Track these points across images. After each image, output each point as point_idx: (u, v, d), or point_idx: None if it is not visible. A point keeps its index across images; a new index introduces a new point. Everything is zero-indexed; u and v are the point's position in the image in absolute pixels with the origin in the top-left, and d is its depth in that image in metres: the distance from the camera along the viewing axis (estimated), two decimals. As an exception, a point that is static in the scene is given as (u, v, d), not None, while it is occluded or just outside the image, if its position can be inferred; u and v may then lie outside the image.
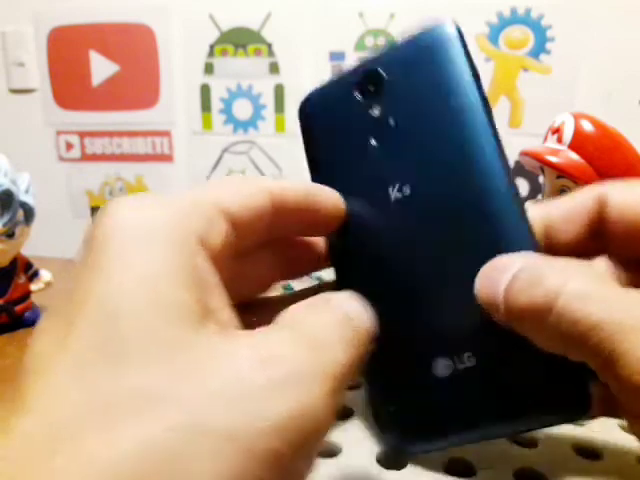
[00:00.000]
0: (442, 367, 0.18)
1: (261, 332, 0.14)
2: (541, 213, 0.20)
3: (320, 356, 0.13)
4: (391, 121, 0.20)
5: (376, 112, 0.21)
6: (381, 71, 0.20)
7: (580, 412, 0.16)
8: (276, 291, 0.22)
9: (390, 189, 0.20)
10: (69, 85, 1.12)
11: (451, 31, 0.20)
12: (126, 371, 0.11)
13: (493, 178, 0.18)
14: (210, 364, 0.12)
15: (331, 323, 0.15)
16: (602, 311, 0.13)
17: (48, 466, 0.10)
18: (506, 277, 0.15)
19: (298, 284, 0.24)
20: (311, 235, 0.21)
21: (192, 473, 0.10)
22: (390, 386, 0.19)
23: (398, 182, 0.20)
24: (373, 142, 0.20)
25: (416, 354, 0.19)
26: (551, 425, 0.17)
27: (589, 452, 0.24)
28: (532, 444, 0.25)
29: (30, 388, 0.12)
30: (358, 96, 0.21)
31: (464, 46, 0.20)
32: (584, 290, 0.14)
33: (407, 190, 0.20)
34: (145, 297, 0.12)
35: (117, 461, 0.10)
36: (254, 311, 0.19)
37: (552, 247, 0.20)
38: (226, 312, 0.14)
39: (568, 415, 0.16)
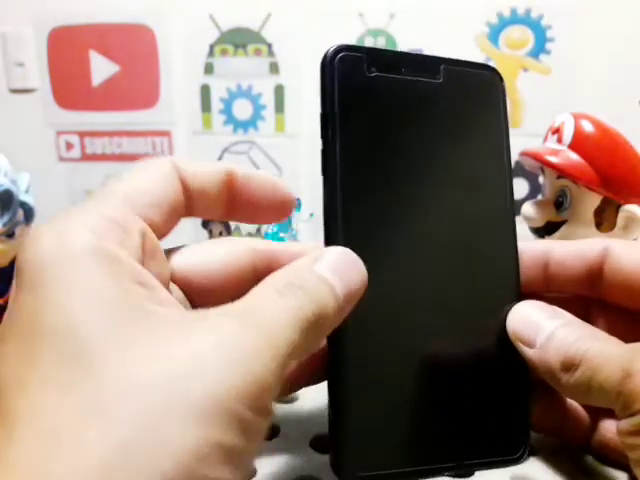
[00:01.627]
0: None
1: (212, 314, 0.15)
2: (544, 248, 0.22)
3: (270, 336, 0.15)
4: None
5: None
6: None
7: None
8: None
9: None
10: (69, 85, 1.12)
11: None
12: (99, 375, 0.13)
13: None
14: (170, 353, 0.13)
15: (284, 307, 0.16)
16: (618, 366, 0.18)
17: (50, 469, 0.12)
18: (542, 336, 0.20)
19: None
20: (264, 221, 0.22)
21: (167, 443, 0.12)
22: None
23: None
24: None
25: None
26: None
27: (591, 472, 0.23)
28: (531, 453, 0.24)
29: (9, 406, 0.13)
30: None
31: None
32: (602, 351, 0.19)
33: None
34: (93, 311, 0.14)
35: (112, 446, 0.12)
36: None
37: (550, 281, 0.22)
38: (165, 296, 0.16)
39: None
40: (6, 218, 0.48)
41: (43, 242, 0.15)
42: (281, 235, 0.47)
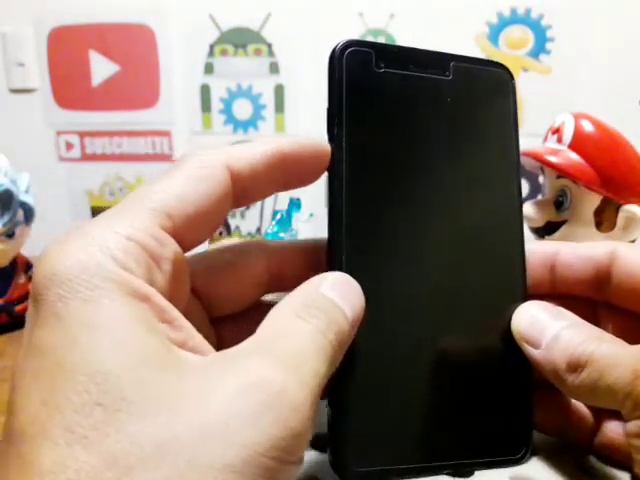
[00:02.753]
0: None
1: (240, 356, 0.14)
2: (551, 249, 0.22)
3: (299, 374, 0.14)
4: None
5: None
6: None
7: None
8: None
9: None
10: (69, 85, 1.12)
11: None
12: (127, 424, 0.12)
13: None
14: (200, 401, 0.13)
15: (308, 335, 0.15)
16: (624, 366, 0.18)
17: None
18: (548, 336, 0.20)
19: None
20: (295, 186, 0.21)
21: None
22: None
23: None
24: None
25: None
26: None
27: (585, 468, 0.23)
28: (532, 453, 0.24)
29: (32, 454, 0.12)
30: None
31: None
32: (609, 352, 0.19)
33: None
34: (121, 355, 0.13)
35: None
36: (248, 319, 0.19)
37: (556, 282, 0.22)
38: (197, 340, 0.15)
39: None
40: (6, 218, 0.48)
41: (64, 268, 0.13)
42: (281, 235, 0.47)
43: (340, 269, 0.19)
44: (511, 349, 0.21)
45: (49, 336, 0.13)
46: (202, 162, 0.17)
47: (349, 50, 0.19)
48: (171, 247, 0.16)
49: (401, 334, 0.20)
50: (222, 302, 0.20)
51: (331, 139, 0.19)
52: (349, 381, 0.19)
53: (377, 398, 0.19)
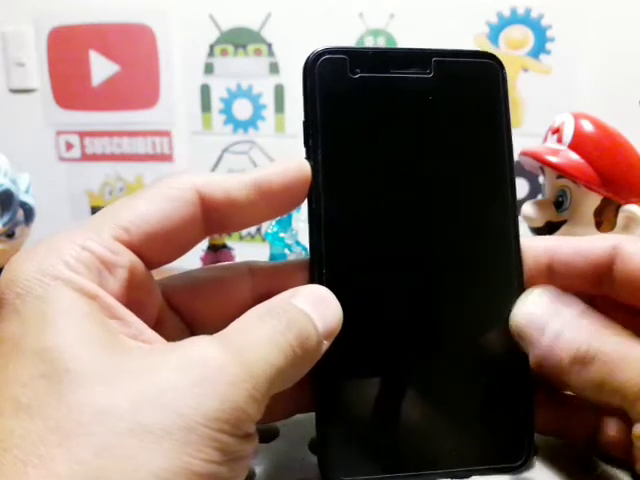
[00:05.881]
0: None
1: (186, 341, 0.15)
2: (548, 245, 0.21)
3: (242, 356, 0.15)
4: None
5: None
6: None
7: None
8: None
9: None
10: (69, 85, 1.12)
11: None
12: (67, 393, 0.13)
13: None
14: (140, 375, 0.14)
15: (263, 331, 0.16)
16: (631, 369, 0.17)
17: None
18: (549, 333, 0.19)
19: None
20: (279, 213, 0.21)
21: (135, 469, 0.12)
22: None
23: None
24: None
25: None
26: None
27: (585, 467, 0.23)
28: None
29: None
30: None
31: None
32: (620, 348, 0.18)
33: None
34: (68, 336, 0.14)
35: (79, 470, 0.12)
36: None
37: (554, 279, 0.21)
38: (147, 334, 0.16)
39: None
40: (6, 218, 0.48)
41: (23, 271, 0.15)
42: (281, 235, 0.47)
43: (321, 283, 0.19)
44: (509, 350, 0.20)
45: (9, 327, 0.15)
46: (172, 183, 0.18)
47: (322, 59, 0.19)
48: (126, 257, 0.17)
49: (388, 340, 0.19)
50: (205, 320, 0.20)
51: (307, 151, 0.19)
52: (333, 389, 0.18)
53: (364, 407, 0.19)
